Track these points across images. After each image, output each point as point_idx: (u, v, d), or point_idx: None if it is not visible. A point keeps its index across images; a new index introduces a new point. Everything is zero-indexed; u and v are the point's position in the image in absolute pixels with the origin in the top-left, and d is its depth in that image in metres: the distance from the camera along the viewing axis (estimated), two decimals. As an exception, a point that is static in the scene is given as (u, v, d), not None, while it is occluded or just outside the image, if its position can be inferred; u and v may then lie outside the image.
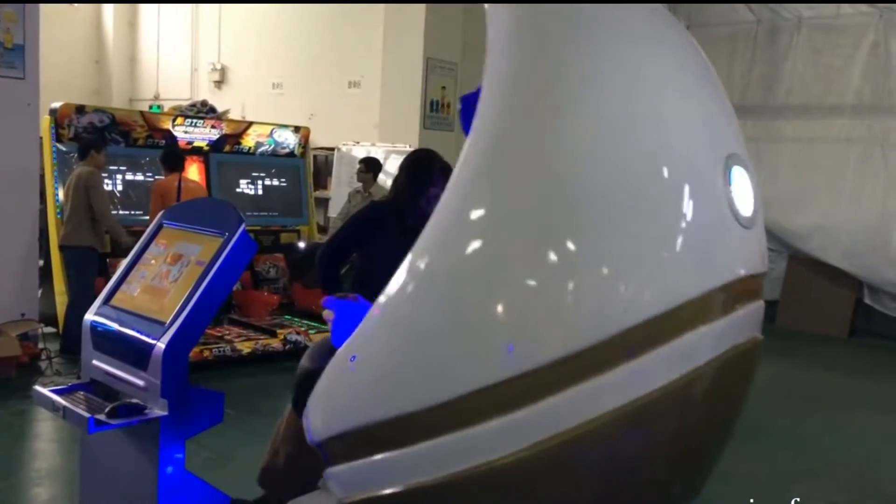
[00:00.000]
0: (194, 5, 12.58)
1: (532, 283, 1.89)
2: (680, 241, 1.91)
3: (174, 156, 7.12)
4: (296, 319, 7.65)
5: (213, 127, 8.11)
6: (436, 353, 1.94)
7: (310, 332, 7.24)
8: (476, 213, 1.96)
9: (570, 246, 1.87)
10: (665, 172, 1.92)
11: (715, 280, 1.94)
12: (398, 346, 1.99)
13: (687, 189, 1.93)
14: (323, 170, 10.00)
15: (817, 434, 5.52)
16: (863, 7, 9.21)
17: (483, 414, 1.88)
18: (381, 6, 9.56)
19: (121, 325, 2.89)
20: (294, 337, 7.04)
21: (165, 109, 10.71)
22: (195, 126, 8.00)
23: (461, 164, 1.98)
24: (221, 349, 6.48)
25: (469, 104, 2.23)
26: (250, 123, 8.50)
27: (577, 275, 1.86)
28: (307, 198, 8.77)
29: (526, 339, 1.87)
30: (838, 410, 6.14)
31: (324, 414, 2.11)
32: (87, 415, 2.62)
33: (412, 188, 3.66)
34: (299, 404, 2.19)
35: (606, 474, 1.94)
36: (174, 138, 7.83)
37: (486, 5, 2.07)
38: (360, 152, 9.56)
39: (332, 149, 10.00)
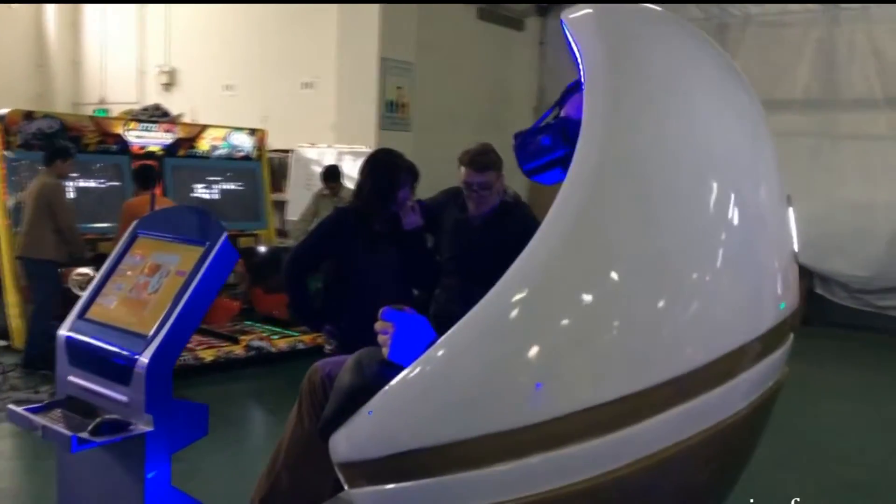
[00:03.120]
0: (140, 5, 12.31)
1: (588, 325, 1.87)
2: (751, 282, 1.95)
3: (147, 173, 6.94)
4: (257, 325, 7.55)
5: (166, 131, 7.98)
6: (464, 391, 1.90)
7: (273, 337, 7.16)
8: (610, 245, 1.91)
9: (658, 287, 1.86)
10: (745, 210, 1.95)
11: (768, 322, 1.95)
12: (430, 378, 1.95)
13: (766, 227, 1.99)
14: (278, 172, 9.87)
15: (779, 423, 5.55)
16: (808, 3, 9.44)
17: (509, 454, 1.84)
18: (335, 6, 9.47)
19: (99, 339, 2.80)
20: (257, 343, 6.95)
21: (113, 113, 10.49)
22: (148, 130, 7.85)
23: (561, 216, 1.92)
24: (184, 358, 6.35)
25: (525, 140, 2.26)
26: (205, 127, 8.37)
27: (633, 318, 1.84)
28: (265, 201, 8.67)
29: (556, 384, 1.83)
30: (798, 399, 6.24)
31: (344, 438, 2.07)
32: (68, 433, 2.54)
33: (380, 193, 3.55)
34: (338, 420, 2.08)
35: None
36: (126, 143, 7.67)
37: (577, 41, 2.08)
38: (316, 154, 9.48)
39: (288, 151, 9.88)
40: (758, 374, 1.95)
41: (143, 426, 2.61)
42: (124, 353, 2.68)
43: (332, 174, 7.98)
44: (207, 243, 2.77)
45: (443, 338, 1.92)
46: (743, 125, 2.09)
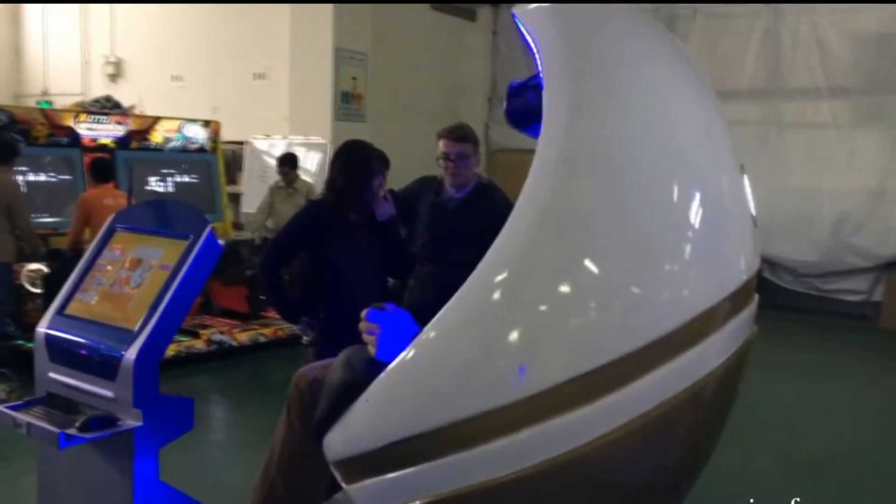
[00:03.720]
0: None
1: (558, 302, 1.94)
2: (715, 247, 2.03)
3: (103, 166, 6.79)
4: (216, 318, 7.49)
5: (118, 123, 7.81)
6: (454, 374, 1.95)
7: (234, 330, 7.10)
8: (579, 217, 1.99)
9: (603, 261, 1.93)
10: (705, 180, 2.05)
11: (734, 283, 2.04)
12: (420, 365, 1.99)
13: (725, 196, 2.08)
14: (232, 164, 9.75)
15: (738, 403, 5.78)
16: (754, -1, 9.69)
17: (501, 430, 1.90)
18: (287, -5, 9.37)
19: (81, 335, 2.77)
20: (218, 337, 6.89)
21: (56, 105, 10.22)
22: (99, 122, 7.68)
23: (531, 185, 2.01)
24: (145, 353, 6.26)
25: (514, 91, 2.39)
26: (158, 118, 8.22)
27: (610, 288, 1.93)
28: (220, 194, 8.57)
29: (541, 359, 1.90)
30: (752, 379, 6.43)
31: (340, 438, 2.09)
32: (56, 430, 2.51)
33: (354, 184, 3.55)
34: (332, 417, 2.10)
35: (620, 486, 1.99)
36: (77, 136, 7.50)
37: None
38: (271, 145, 9.39)
39: (240, 143, 9.76)
40: (728, 333, 2.05)
41: (131, 421, 2.60)
42: (110, 348, 2.66)
43: (288, 160, 7.93)
44: (192, 236, 2.75)
45: (429, 325, 1.97)
46: (699, 103, 2.19)
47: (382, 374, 2.03)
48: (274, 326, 7.35)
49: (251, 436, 5.38)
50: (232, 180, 9.61)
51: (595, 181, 1.98)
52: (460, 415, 1.90)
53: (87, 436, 2.53)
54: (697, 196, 2.01)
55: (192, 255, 2.71)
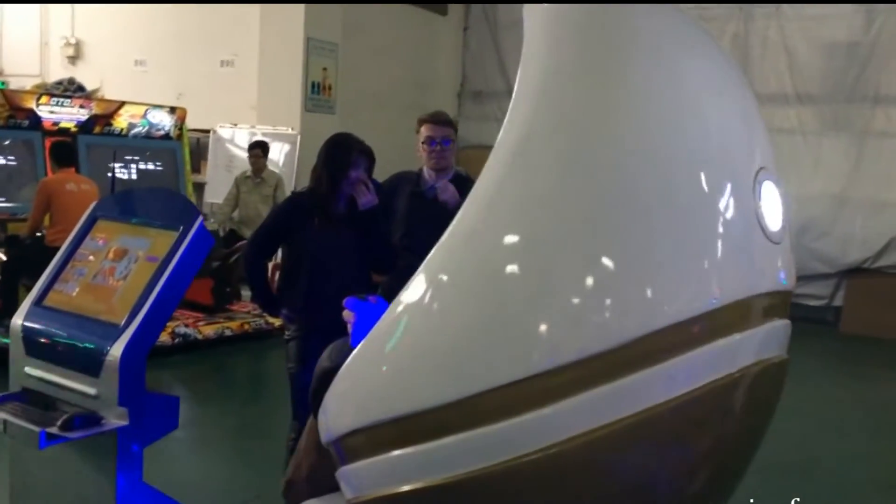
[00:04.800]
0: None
1: (559, 282, 1.86)
2: (706, 250, 1.90)
3: (66, 149, 6.55)
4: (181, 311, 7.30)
5: (81, 107, 7.57)
6: (458, 349, 1.88)
7: (199, 323, 6.93)
8: (509, 207, 1.90)
9: (603, 246, 1.85)
10: (701, 181, 1.91)
11: (737, 293, 1.91)
12: (419, 341, 1.92)
13: (719, 199, 1.93)
14: (196, 153, 9.52)
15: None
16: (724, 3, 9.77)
17: (507, 411, 1.83)
18: (257, -19, 9.18)
19: (61, 328, 2.63)
20: (183, 330, 6.72)
21: (11, 86, 9.88)
22: (62, 105, 7.44)
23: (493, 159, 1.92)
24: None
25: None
26: (122, 103, 7.98)
27: (605, 275, 1.84)
28: (185, 183, 8.37)
29: (550, 338, 1.83)
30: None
31: (342, 409, 2.01)
32: (36, 429, 2.38)
33: (331, 174, 3.55)
34: (318, 403, 2.09)
35: (634, 482, 1.92)
36: (38, 118, 7.24)
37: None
38: (238, 135, 9.21)
39: (205, 131, 9.55)
40: (754, 338, 1.94)
41: (115, 420, 2.47)
42: (93, 343, 2.53)
43: (261, 144, 7.79)
44: (182, 227, 2.64)
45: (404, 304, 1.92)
46: (700, 91, 2.02)
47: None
48: (240, 320, 7.20)
49: (218, 432, 5.25)
50: (196, 169, 9.40)
51: (551, 159, 1.91)
52: (466, 392, 1.83)
53: (70, 435, 2.40)
54: (657, 195, 1.87)
55: (182, 247, 2.59)
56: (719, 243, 1.92)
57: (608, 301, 1.85)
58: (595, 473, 1.87)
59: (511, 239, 1.90)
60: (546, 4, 2.03)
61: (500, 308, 1.87)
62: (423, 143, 3.71)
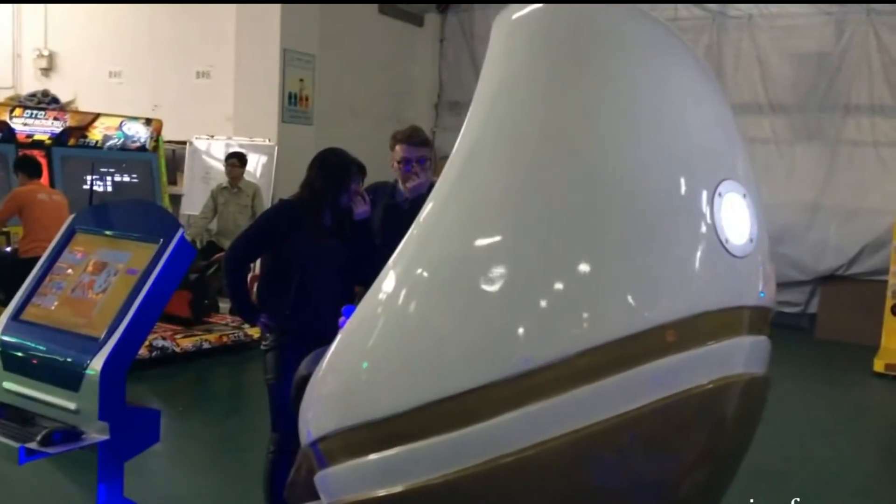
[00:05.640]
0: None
1: (528, 285, 1.87)
2: (661, 263, 1.87)
3: (32, 162, 6.54)
4: (158, 323, 7.23)
5: (55, 119, 7.52)
6: (434, 350, 1.89)
7: (176, 336, 6.88)
8: (456, 213, 1.94)
9: (568, 253, 1.86)
10: (647, 190, 1.88)
11: (692, 307, 1.86)
12: (397, 342, 1.93)
13: (675, 211, 1.90)
14: (172, 165, 9.47)
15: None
16: (697, 10, 9.86)
17: (485, 411, 1.83)
18: (233, -7, 9.16)
19: (40, 342, 2.61)
20: (160, 342, 6.67)
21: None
22: (35, 118, 7.39)
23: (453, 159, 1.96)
24: (83, 359, 6.02)
25: None
26: (97, 115, 7.94)
27: (544, 280, 1.84)
28: (161, 194, 8.32)
29: (518, 342, 1.84)
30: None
31: (318, 413, 2.01)
32: (15, 444, 2.35)
33: (333, 188, 3.55)
34: (296, 407, 2.10)
35: (611, 487, 1.91)
36: (12, 131, 7.18)
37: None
38: (215, 146, 9.16)
39: (181, 142, 9.50)
40: (716, 353, 1.91)
41: (96, 434, 2.45)
42: (73, 357, 2.51)
43: (238, 154, 7.77)
44: (162, 239, 2.63)
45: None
46: (666, 99, 2.03)
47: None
48: (218, 332, 7.16)
49: (198, 446, 5.21)
50: (172, 181, 9.35)
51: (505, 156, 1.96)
52: (449, 392, 1.82)
53: (50, 450, 2.37)
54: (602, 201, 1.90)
55: (162, 260, 2.58)
56: (663, 254, 1.88)
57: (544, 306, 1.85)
58: (572, 476, 1.86)
59: (453, 246, 1.94)
60: (514, 16, 2.06)
61: (476, 310, 1.88)
62: (398, 162, 3.70)
